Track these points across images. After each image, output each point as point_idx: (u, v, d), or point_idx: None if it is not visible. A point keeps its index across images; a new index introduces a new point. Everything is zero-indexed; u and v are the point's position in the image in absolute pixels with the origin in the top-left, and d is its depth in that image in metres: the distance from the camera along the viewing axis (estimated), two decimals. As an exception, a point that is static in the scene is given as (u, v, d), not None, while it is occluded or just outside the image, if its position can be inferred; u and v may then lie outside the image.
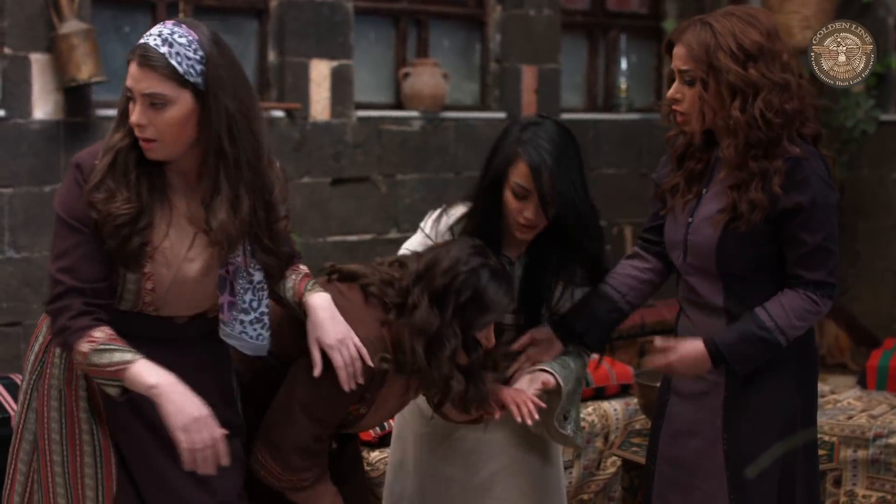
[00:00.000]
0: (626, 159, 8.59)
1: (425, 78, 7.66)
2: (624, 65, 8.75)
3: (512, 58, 8.13)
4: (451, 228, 3.75)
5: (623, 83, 8.75)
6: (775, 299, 3.50)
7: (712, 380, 3.59)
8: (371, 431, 4.88)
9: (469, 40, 8.23)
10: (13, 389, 4.64)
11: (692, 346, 3.53)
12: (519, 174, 3.54)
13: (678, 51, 3.52)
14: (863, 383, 6.69)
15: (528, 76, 8.16)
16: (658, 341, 3.59)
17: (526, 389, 3.60)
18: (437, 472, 3.89)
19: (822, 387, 6.16)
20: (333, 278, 3.55)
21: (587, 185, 3.60)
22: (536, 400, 3.55)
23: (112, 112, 6.61)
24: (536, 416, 3.52)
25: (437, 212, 3.82)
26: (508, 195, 3.57)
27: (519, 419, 3.51)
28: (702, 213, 3.57)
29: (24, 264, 6.50)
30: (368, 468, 4.82)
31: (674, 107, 3.55)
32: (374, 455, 4.89)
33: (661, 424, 3.72)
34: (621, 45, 8.79)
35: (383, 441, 4.95)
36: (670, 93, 3.55)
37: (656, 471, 3.72)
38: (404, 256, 3.57)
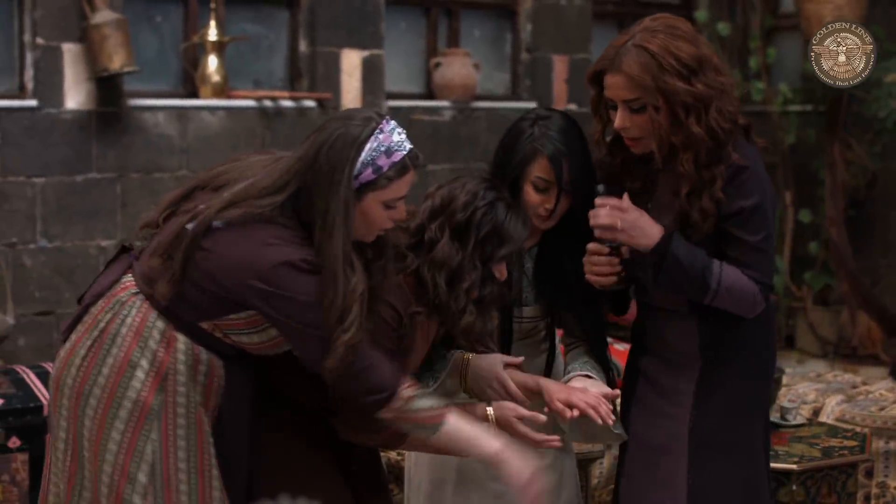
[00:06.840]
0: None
1: (456, 68, 7.66)
2: (655, 54, 8.72)
3: (543, 47, 8.12)
4: None
5: (654, 72, 8.73)
6: (735, 266, 3.48)
7: (683, 363, 3.60)
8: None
9: (500, 30, 8.22)
10: (45, 378, 4.67)
11: (651, 223, 3.46)
12: (540, 168, 3.58)
13: (617, 80, 3.41)
14: (895, 374, 6.68)
15: (560, 66, 8.14)
16: (613, 201, 3.48)
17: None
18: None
19: (853, 378, 6.16)
20: None
21: (594, 172, 3.64)
22: (606, 402, 3.51)
23: (144, 101, 6.66)
24: (613, 418, 3.50)
25: None
26: (529, 189, 3.60)
27: (599, 421, 3.47)
28: None
29: (56, 254, 6.53)
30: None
31: (625, 135, 3.50)
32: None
33: (630, 408, 3.72)
34: (652, 34, 8.76)
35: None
36: (618, 124, 3.45)
37: (627, 449, 3.72)
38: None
